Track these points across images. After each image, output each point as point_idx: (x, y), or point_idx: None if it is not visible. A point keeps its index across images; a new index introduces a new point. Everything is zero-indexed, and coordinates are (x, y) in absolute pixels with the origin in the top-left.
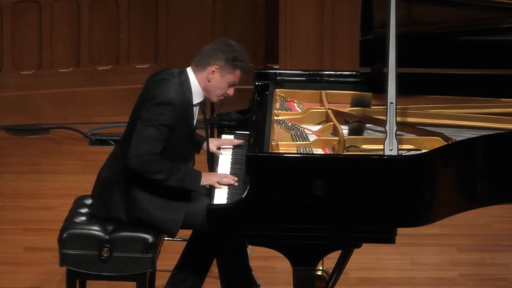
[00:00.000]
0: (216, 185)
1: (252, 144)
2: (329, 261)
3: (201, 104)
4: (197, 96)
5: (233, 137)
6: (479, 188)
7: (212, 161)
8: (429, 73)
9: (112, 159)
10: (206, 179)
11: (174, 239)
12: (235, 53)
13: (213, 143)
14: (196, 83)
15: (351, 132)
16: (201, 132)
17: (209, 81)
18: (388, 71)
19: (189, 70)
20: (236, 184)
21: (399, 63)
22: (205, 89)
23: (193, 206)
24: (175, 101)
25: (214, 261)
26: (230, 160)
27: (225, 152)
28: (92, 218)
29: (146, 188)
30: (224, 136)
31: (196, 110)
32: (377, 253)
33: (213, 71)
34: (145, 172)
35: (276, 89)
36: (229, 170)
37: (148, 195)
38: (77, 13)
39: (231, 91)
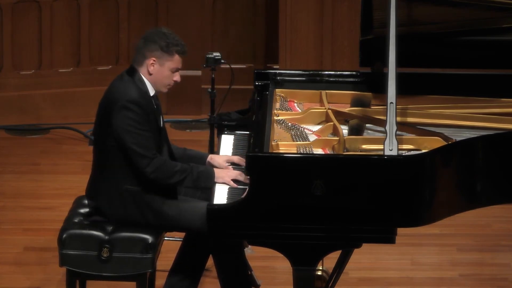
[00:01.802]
0: (231, 183)
1: (252, 144)
2: (329, 261)
3: (155, 97)
4: (151, 89)
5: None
6: (479, 188)
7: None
8: (429, 73)
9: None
10: (220, 176)
11: (174, 239)
12: (167, 39)
13: (221, 159)
14: (144, 78)
15: (351, 132)
16: (201, 132)
17: (150, 74)
18: (388, 71)
19: (135, 67)
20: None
21: (399, 63)
22: (151, 82)
23: (190, 208)
24: (136, 98)
25: (214, 261)
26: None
27: (225, 152)
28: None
29: (138, 187)
30: (224, 138)
31: (153, 101)
32: (377, 253)
33: (151, 63)
34: (161, 178)
35: (276, 89)
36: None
37: (141, 193)
38: (77, 13)
39: (177, 77)
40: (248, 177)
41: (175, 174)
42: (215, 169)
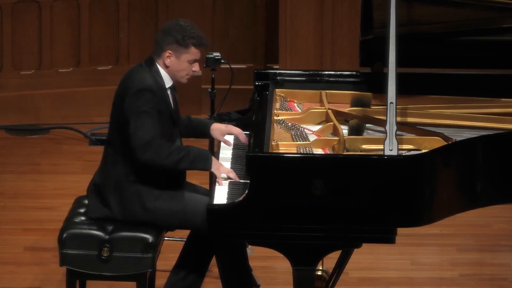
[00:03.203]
0: (220, 180)
1: (252, 144)
2: (329, 261)
3: (172, 89)
4: (167, 81)
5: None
6: (479, 188)
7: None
8: (429, 73)
9: (102, 162)
10: (215, 166)
11: (174, 239)
12: (183, 32)
13: (220, 128)
14: (162, 69)
15: (351, 132)
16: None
17: (167, 66)
18: (388, 71)
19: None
20: (237, 180)
21: (399, 63)
22: (169, 74)
23: (192, 205)
24: (152, 86)
25: (215, 261)
26: (230, 160)
27: (225, 152)
28: (91, 219)
29: (142, 183)
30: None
31: (170, 94)
32: (377, 253)
33: (168, 56)
34: (156, 160)
35: (276, 89)
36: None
37: (144, 189)
38: (77, 13)
39: (196, 68)
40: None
41: (172, 153)
42: (213, 158)
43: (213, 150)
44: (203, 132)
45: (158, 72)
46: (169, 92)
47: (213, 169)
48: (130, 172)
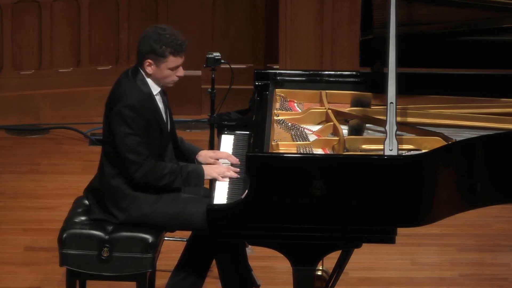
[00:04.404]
0: (219, 178)
1: (252, 144)
2: (329, 261)
3: (161, 94)
4: (154, 87)
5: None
6: (479, 188)
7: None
8: (429, 73)
9: (99, 166)
10: (208, 173)
11: (174, 239)
12: (160, 41)
13: (208, 155)
14: (147, 77)
15: (351, 132)
16: (201, 132)
17: (150, 74)
18: (388, 71)
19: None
20: (237, 175)
21: (399, 63)
22: (153, 81)
23: (192, 207)
24: (133, 102)
25: (214, 261)
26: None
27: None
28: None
29: (138, 188)
30: (224, 138)
31: (159, 99)
32: (377, 253)
33: (148, 64)
34: (151, 182)
35: (276, 89)
36: None
37: (142, 193)
38: (77, 13)
39: (180, 73)
40: (238, 170)
41: (164, 176)
42: (204, 166)
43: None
44: (191, 158)
45: (144, 80)
46: (158, 97)
47: (209, 176)
48: (126, 177)
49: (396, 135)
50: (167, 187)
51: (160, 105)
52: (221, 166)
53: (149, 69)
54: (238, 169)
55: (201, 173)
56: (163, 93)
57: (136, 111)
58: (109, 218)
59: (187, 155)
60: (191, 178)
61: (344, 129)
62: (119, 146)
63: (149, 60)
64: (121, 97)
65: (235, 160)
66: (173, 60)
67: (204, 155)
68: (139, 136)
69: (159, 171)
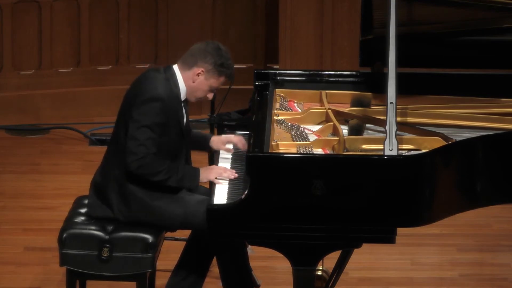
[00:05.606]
0: (215, 181)
1: (252, 144)
2: (329, 261)
3: (185, 102)
4: (183, 93)
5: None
6: (479, 188)
7: (212, 160)
8: (429, 73)
9: (104, 161)
10: (205, 176)
11: (174, 239)
12: (223, 60)
13: (220, 140)
14: (181, 80)
15: (351, 132)
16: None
17: (193, 82)
18: (388, 71)
19: (176, 67)
20: (235, 176)
21: (399, 63)
22: (187, 88)
23: (193, 206)
24: (163, 97)
25: (215, 261)
26: (230, 160)
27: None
28: (92, 218)
29: (143, 184)
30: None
31: (184, 105)
32: (377, 253)
33: (199, 73)
34: (145, 174)
35: (276, 89)
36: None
37: (145, 190)
38: (77, 13)
39: (210, 96)
40: (234, 171)
41: (159, 173)
42: (201, 169)
43: (213, 160)
44: (204, 145)
45: (176, 82)
46: (183, 104)
47: (205, 180)
48: (130, 176)
49: (396, 135)
50: (160, 184)
51: (184, 110)
52: (218, 167)
53: (195, 77)
54: (234, 171)
55: (196, 175)
56: (186, 102)
57: (163, 103)
58: (109, 214)
59: (201, 142)
60: (186, 179)
61: (344, 129)
62: (130, 131)
63: (203, 69)
64: (150, 89)
65: (243, 145)
66: (220, 83)
67: (216, 140)
68: (152, 131)
69: (156, 167)
